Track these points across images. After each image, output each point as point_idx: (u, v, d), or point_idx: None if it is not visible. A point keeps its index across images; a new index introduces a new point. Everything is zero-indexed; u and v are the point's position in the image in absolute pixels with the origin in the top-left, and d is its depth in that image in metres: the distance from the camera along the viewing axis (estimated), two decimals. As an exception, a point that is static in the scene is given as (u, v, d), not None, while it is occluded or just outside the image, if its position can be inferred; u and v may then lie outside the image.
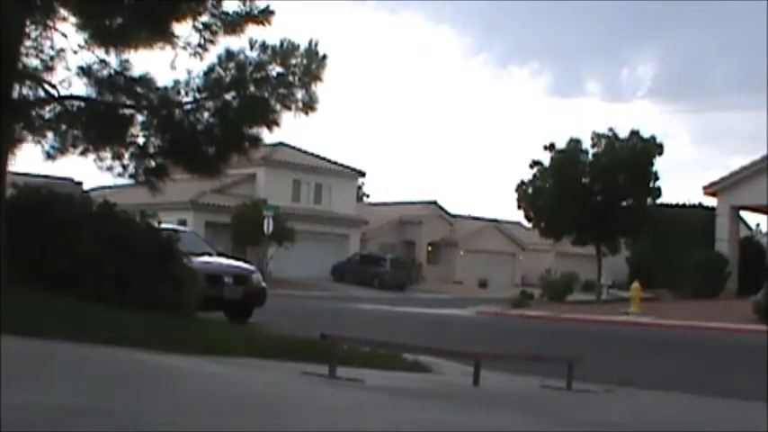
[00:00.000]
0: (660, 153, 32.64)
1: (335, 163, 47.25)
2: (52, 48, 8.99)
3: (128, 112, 9.46)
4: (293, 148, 44.81)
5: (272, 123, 9.33)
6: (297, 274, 38.36)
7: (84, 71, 9.19)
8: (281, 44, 9.24)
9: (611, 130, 33.11)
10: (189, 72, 9.21)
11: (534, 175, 33.57)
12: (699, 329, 18.63)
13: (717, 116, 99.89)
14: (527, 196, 33.44)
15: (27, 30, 8.68)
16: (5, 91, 8.33)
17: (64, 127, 9.25)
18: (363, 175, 51.03)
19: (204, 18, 8.92)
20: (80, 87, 9.32)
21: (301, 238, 38.96)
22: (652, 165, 32.33)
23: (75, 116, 9.23)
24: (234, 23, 8.99)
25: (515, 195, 33.97)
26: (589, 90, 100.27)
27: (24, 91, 8.97)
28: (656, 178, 32.54)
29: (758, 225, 36.68)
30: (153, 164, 9.62)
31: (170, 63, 9.08)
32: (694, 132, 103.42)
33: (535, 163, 33.55)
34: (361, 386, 5.42)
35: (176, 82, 9.26)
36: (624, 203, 32.62)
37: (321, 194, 46.26)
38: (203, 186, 36.41)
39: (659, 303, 27.20)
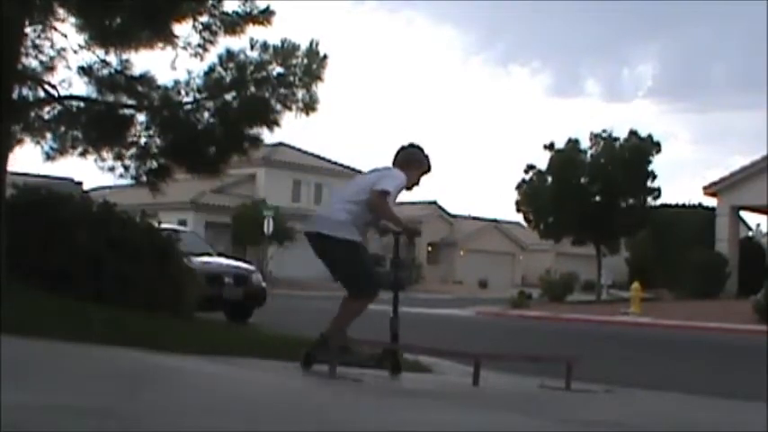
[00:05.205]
0: (658, 151, 32.63)
1: (335, 163, 47.27)
2: (52, 48, 8.99)
3: (128, 112, 9.46)
4: (293, 148, 44.85)
5: (272, 123, 9.33)
6: (297, 274, 38.36)
7: (85, 71, 9.19)
8: (282, 44, 9.23)
9: (604, 131, 33.10)
10: (189, 72, 9.22)
11: (531, 178, 33.53)
12: (699, 329, 18.62)
13: (717, 116, 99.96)
14: (525, 198, 33.42)
15: (27, 30, 8.68)
16: (5, 91, 8.32)
17: (63, 128, 9.25)
18: (363, 175, 51.05)
19: (204, 18, 8.91)
20: (80, 87, 9.34)
21: (301, 238, 38.90)
22: (649, 163, 32.32)
23: (75, 116, 9.23)
24: (234, 23, 8.98)
25: (515, 196, 33.96)
26: (589, 90, 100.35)
27: (24, 91, 8.97)
28: (654, 177, 32.54)
29: (758, 225, 36.69)
30: (155, 164, 9.63)
31: (170, 63, 9.09)
32: (694, 132, 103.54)
33: (530, 167, 33.49)
34: (361, 386, 5.42)
35: (176, 82, 9.26)
36: (623, 204, 32.61)
37: (321, 194, 46.29)
38: (203, 186, 36.45)
39: (659, 303, 27.20)
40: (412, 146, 6.45)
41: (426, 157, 6.41)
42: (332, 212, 6.07)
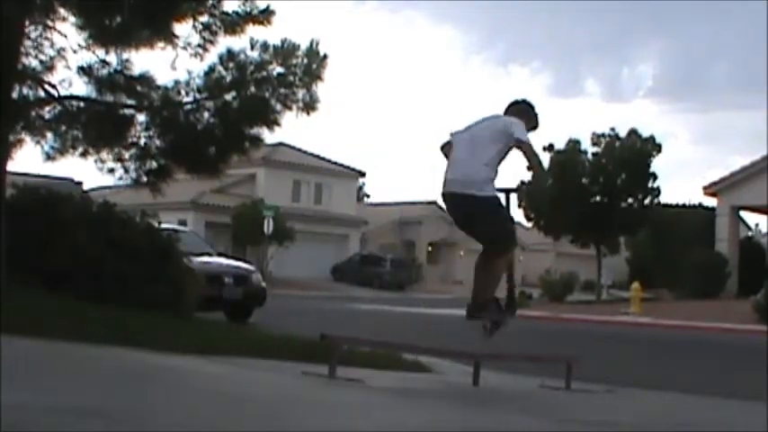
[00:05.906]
0: (659, 152, 32.63)
1: (335, 163, 47.25)
2: (52, 47, 8.99)
3: (128, 112, 9.45)
4: (293, 148, 44.80)
5: (272, 123, 9.33)
6: (297, 274, 38.35)
7: (85, 70, 9.18)
8: (282, 44, 9.23)
9: (612, 129, 33.10)
10: (189, 72, 9.22)
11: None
12: (699, 329, 18.62)
13: (717, 116, 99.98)
14: (526, 197, 33.40)
15: (27, 30, 8.67)
16: (5, 91, 8.32)
17: (64, 127, 9.24)
18: (363, 175, 51.06)
19: (204, 18, 8.91)
20: (80, 87, 9.33)
21: (301, 238, 38.96)
22: (650, 164, 32.30)
23: (75, 116, 9.23)
24: (234, 23, 8.98)
25: (515, 196, 33.93)
26: (589, 90, 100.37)
27: (24, 91, 8.97)
28: (655, 178, 32.53)
29: (758, 225, 36.71)
30: (155, 165, 9.62)
31: (170, 63, 9.08)
32: (694, 132, 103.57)
33: None
34: (360, 386, 5.42)
35: (176, 82, 9.26)
36: (623, 204, 32.60)
37: (321, 194, 46.26)
38: (203, 186, 36.41)
39: (659, 303, 27.19)
40: (524, 101, 6.40)
41: (536, 114, 6.37)
42: (477, 172, 6.02)
